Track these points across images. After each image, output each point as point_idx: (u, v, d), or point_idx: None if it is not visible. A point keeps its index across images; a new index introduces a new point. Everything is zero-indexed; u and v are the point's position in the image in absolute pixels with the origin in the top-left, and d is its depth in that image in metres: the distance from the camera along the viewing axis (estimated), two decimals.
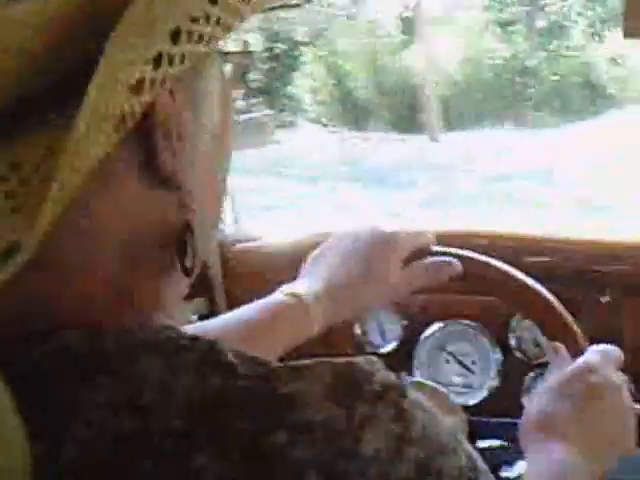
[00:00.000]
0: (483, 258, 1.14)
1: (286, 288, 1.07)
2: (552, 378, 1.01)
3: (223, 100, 0.68)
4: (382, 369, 0.59)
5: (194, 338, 0.59)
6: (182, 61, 0.58)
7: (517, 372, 1.42)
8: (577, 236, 1.49)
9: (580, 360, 1.01)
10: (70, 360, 0.57)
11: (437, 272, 1.12)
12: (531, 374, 1.41)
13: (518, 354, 1.43)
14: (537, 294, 1.12)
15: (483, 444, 1.34)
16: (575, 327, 1.12)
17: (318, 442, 0.54)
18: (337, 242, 1.13)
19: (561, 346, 1.06)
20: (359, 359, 0.59)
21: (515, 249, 1.45)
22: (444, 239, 1.16)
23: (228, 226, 1.74)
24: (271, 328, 1.05)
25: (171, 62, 0.57)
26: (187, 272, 0.65)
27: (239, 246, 1.70)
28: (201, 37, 0.59)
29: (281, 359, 1.06)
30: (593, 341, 1.09)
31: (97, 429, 0.54)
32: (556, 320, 1.11)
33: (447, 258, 1.11)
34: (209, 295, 1.63)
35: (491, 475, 0.62)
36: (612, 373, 1.00)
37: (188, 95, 0.63)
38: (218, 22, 0.60)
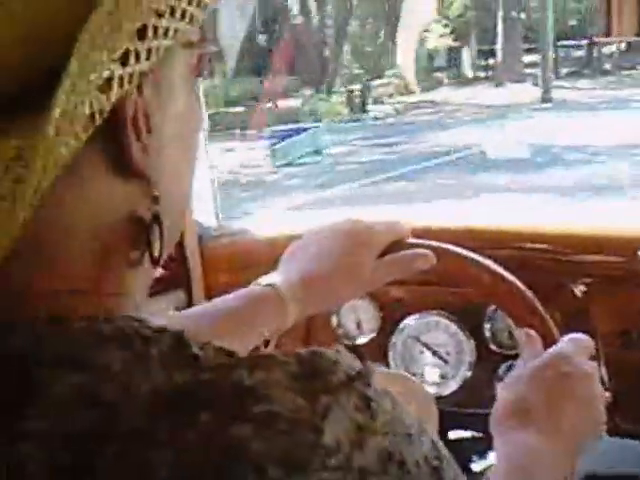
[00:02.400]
0: (457, 250, 1.16)
1: (263, 280, 1.09)
2: (524, 367, 1.02)
3: (189, 89, 0.69)
4: (347, 358, 0.59)
5: (160, 330, 0.59)
6: (149, 57, 0.58)
7: (491, 363, 1.44)
8: (550, 226, 1.51)
9: (552, 349, 1.03)
10: (34, 350, 0.57)
11: (411, 264, 1.13)
12: (504, 365, 1.43)
13: (492, 345, 1.45)
14: (510, 285, 1.14)
15: (455, 435, 1.36)
16: (547, 317, 1.13)
17: (280, 434, 0.54)
18: (313, 236, 1.15)
19: (534, 334, 1.08)
20: (324, 349, 0.59)
21: (490, 240, 1.47)
22: (418, 233, 1.19)
23: (208, 220, 1.76)
24: (248, 317, 1.06)
25: (138, 58, 0.57)
26: (155, 262, 0.65)
27: (219, 240, 1.72)
28: (167, 31, 0.59)
29: (257, 349, 1.08)
30: (567, 330, 1.11)
31: (54, 423, 0.54)
32: (529, 310, 1.12)
33: (421, 250, 1.13)
34: (187, 288, 1.64)
35: (454, 462, 0.62)
36: (584, 362, 1.02)
37: (155, 87, 0.63)
38: (183, 15, 0.61)
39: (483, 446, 1.32)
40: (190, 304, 1.59)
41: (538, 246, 1.47)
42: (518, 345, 1.10)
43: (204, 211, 1.75)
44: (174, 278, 1.63)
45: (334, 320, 1.53)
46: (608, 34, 4.08)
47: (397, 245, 1.14)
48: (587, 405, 1.00)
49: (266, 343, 1.09)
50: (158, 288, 1.58)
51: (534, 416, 0.96)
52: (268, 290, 1.07)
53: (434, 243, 1.15)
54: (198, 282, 1.66)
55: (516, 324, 1.14)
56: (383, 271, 1.12)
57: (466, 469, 1.31)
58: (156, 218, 0.64)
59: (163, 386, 0.55)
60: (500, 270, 1.15)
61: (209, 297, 1.56)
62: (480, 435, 1.34)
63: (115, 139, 0.60)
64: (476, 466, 1.32)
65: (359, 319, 1.52)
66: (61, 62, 0.53)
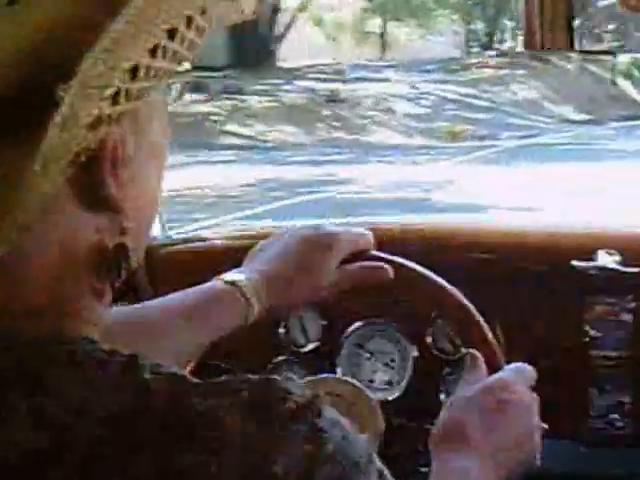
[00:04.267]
0: (416, 267, 1.20)
1: (224, 276, 1.10)
2: (466, 390, 1.05)
3: (162, 119, 0.69)
4: (299, 387, 0.60)
5: (113, 353, 0.59)
6: (139, 97, 0.59)
7: (434, 369, 1.48)
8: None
9: (496, 376, 1.07)
10: None
11: (370, 276, 1.18)
12: (445, 370, 1.47)
13: (434, 351, 1.49)
14: (463, 307, 1.18)
15: (397, 449, 1.39)
16: (495, 342, 1.18)
17: (230, 461, 0.54)
18: (277, 238, 1.18)
19: (479, 357, 1.10)
20: (277, 377, 0.60)
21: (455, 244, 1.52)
22: (380, 235, 1.23)
23: (155, 230, 1.74)
24: (206, 313, 1.07)
25: (128, 98, 0.57)
26: (114, 289, 0.66)
27: (167, 249, 1.72)
28: (157, 71, 0.59)
29: (214, 345, 1.10)
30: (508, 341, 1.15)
31: (7, 443, 0.54)
32: (477, 333, 1.16)
33: (380, 264, 1.18)
34: (137, 299, 1.64)
35: None
36: (525, 392, 1.05)
37: (134, 121, 0.63)
38: (174, 56, 0.61)
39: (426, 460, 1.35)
40: None
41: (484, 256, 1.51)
42: (458, 352, 1.13)
43: None
44: (122, 289, 1.62)
45: (281, 328, 1.54)
46: None
47: (359, 255, 1.18)
48: (523, 434, 1.03)
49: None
50: None
51: (471, 439, 0.99)
52: (229, 288, 1.08)
53: (395, 258, 1.19)
54: (144, 292, 1.66)
55: (463, 344, 1.18)
56: (342, 278, 1.16)
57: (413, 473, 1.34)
58: (122, 248, 0.64)
59: (114, 410, 0.55)
60: (454, 291, 1.19)
61: None
62: (422, 449, 1.37)
63: (91, 173, 0.60)
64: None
65: (304, 327, 1.54)
66: (51, 95, 0.53)
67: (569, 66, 21.23)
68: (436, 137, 15.27)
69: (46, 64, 0.55)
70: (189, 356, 1.11)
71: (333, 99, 15.81)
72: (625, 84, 21.88)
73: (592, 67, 21.64)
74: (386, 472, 0.63)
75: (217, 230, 1.75)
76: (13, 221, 0.54)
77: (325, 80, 17.31)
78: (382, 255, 1.19)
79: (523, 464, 1.03)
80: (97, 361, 0.58)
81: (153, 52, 0.58)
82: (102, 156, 0.60)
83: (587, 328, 1.43)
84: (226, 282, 1.09)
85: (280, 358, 1.54)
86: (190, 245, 1.72)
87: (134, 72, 0.57)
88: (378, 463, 0.63)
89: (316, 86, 16.74)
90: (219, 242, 1.67)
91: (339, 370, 1.50)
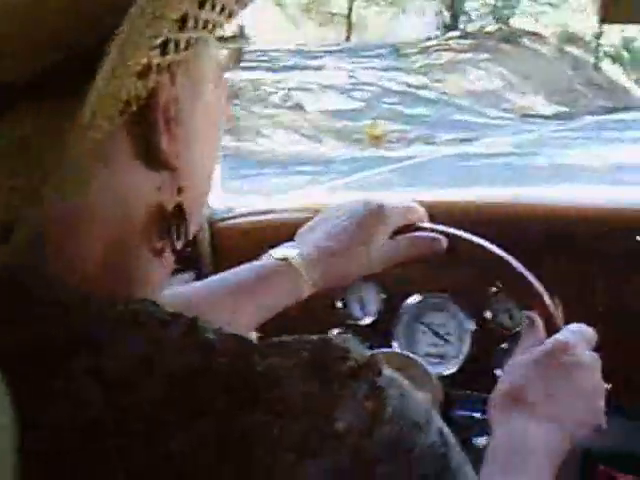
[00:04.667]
0: (468, 236, 1.19)
1: (275, 252, 1.11)
2: (526, 353, 1.04)
3: (218, 83, 0.69)
4: (357, 346, 0.61)
5: (176, 315, 0.59)
6: (187, 47, 0.59)
7: (491, 343, 1.46)
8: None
9: (554, 338, 1.05)
10: (55, 332, 0.57)
11: (424, 247, 1.18)
12: (503, 345, 1.46)
13: (493, 325, 1.47)
14: (516, 271, 1.17)
15: (457, 415, 1.39)
16: (551, 304, 1.16)
17: (294, 419, 0.55)
18: (330, 213, 1.18)
19: (537, 319, 1.09)
20: (335, 336, 0.61)
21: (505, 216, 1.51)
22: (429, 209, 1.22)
23: (216, 202, 1.77)
24: (256, 291, 1.08)
25: (177, 48, 0.58)
26: (177, 253, 0.67)
27: (228, 221, 1.73)
28: (206, 23, 0.60)
29: (265, 324, 1.10)
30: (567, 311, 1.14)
31: (73, 403, 0.54)
32: (534, 296, 1.15)
33: (433, 234, 1.17)
34: (197, 270, 1.67)
35: (460, 450, 0.64)
36: (585, 353, 1.03)
37: (187, 79, 0.63)
38: (223, 9, 0.61)
39: (483, 428, 1.35)
40: None
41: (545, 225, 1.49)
42: (518, 325, 1.12)
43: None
44: (183, 260, 1.64)
45: (339, 302, 1.55)
46: None
47: (410, 227, 1.18)
48: (586, 396, 1.01)
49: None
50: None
51: (532, 404, 0.98)
52: (282, 264, 1.09)
53: (447, 228, 1.19)
54: (207, 264, 1.68)
55: (520, 308, 1.16)
56: (395, 250, 1.16)
57: (467, 444, 1.34)
58: (180, 209, 0.65)
59: (178, 370, 0.56)
60: (507, 256, 1.18)
61: None
62: (480, 417, 1.36)
63: (145, 128, 0.61)
64: (477, 442, 1.34)
65: (362, 301, 1.54)
66: (97, 47, 0.53)
67: (544, 49, 18.98)
68: (355, 141, 13.19)
69: (91, 14, 0.55)
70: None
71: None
72: (612, 69, 19.89)
73: (572, 49, 19.46)
74: (446, 430, 0.64)
75: (279, 202, 1.74)
76: (62, 171, 0.55)
77: (249, 68, 14.79)
78: (435, 226, 1.19)
79: (588, 426, 1.02)
80: (160, 322, 0.59)
81: (202, 3, 0.59)
82: (154, 107, 0.60)
83: None
84: (277, 258, 1.10)
85: (337, 331, 1.54)
86: (252, 218, 1.72)
87: (182, 22, 0.57)
88: (438, 421, 0.63)
89: (233, 76, 15.38)
90: (281, 214, 1.67)
91: (396, 344, 1.50)
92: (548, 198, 1.59)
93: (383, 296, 1.53)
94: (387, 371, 0.61)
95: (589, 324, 1.09)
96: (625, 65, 20.00)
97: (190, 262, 1.66)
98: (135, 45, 0.54)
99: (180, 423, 0.54)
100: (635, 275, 1.42)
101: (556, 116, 15.72)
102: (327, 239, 1.13)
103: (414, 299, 1.51)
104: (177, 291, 1.08)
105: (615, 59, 20.25)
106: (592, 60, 19.51)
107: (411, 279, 1.51)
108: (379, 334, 1.52)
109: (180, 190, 0.65)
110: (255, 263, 1.11)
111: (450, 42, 19.21)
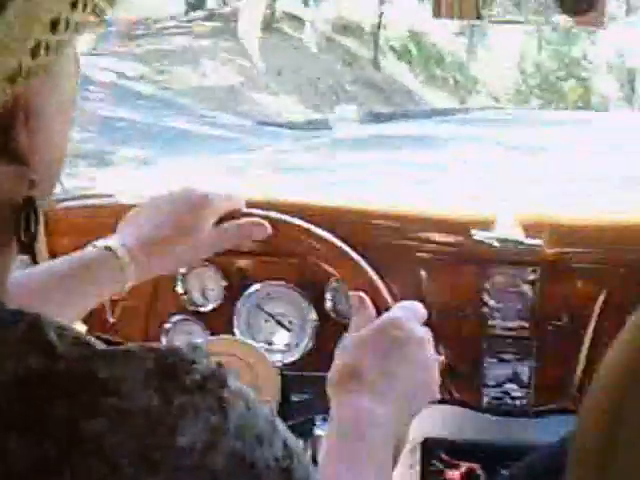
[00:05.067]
0: (292, 220, 1.22)
1: (99, 242, 1.11)
2: (358, 332, 1.06)
3: (74, 77, 0.68)
4: (205, 357, 0.60)
5: (17, 313, 0.58)
6: (57, 50, 0.57)
7: (332, 333, 1.47)
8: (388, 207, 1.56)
9: (385, 315, 1.07)
10: None
11: (248, 232, 1.22)
12: (345, 335, 1.47)
13: (333, 315, 1.50)
14: (341, 251, 1.19)
15: (297, 398, 1.39)
16: (380, 284, 1.18)
17: (135, 431, 0.54)
18: (152, 202, 1.20)
19: (366, 298, 1.11)
20: (183, 346, 0.60)
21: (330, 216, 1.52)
22: (259, 205, 1.25)
23: None
24: (82, 280, 1.08)
25: (47, 51, 0.56)
26: (23, 247, 0.65)
27: (61, 204, 1.69)
28: (77, 25, 0.58)
29: (90, 314, 1.09)
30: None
31: None
32: (361, 277, 1.17)
33: (257, 220, 1.21)
34: (31, 254, 1.61)
35: (306, 457, 0.65)
36: (416, 327, 1.06)
37: (47, 75, 0.62)
38: (94, 9, 0.60)
39: (324, 407, 1.36)
40: None
41: (383, 223, 1.51)
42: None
43: None
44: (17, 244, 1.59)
45: (180, 287, 1.54)
46: None
47: (234, 214, 1.21)
48: (420, 369, 1.04)
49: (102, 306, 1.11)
50: None
51: (368, 379, 0.99)
52: (105, 253, 1.09)
53: (270, 213, 1.21)
54: (42, 247, 1.62)
55: (349, 289, 1.18)
56: (221, 237, 1.19)
57: (310, 433, 1.34)
58: (31, 202, 0.63)
59: (19, 372, 0.54)
60: (333, 238, 1.20)
61: None
62: (320, 397, 1.38)
63: (4, 124, 0.59)
64: (320, 431, 1.35)
65: (204, 287, 1.54)
66: None
67: (308, 38, 15.43)
68: None
69: None
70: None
71: None
72: (395, 66, 16.91)
73: (347, 41, 16.27)
74: (290, 440, 0.63)
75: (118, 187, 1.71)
76: None
77: None
78: (258, 211, 1.21)
79: (424, 398, 1.04)
80: (1, 321, 0.57)
81: (74, 4, 0.57)
82: (16, 108, 0.59)
83: (487, 298, 1.44)
84: (99, 247, 1.10)
85: (178, 317, 1.54)
86: (80, 202, 1.69)
87: (54, 25, 0.56)
88: (282, 431, 0.63)
89: None
90: (108, 201, 1.64)
91: (237, 331, 1.50)
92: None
93: (224, 283, 1.53)
94: (233, 382, 0.60)
95: (428, 320, 1.11)
96: (413, 63, 17.28)
97: (23, 246, 1.60)
98: (7, 48, 0.53)
99: (19, 424, 0.53)
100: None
101: (309, 124, 12.23)
102: (150, 227, 1.15)
103: (255, 287, 1.52)
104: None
105: (401, 55, 17.25)
106: (370, 55, 16.31)
107: (251, 267, 1.52)
108: (220, 321, 1.51)
109: (32, 184, 0.63)
110: (79, 252, 1.11)
111: (192, 24, 15.67)
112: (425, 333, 1.06)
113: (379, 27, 16.92)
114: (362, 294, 1.12)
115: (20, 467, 0.52)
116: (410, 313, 1.08)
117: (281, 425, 0.64)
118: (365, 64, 16.61)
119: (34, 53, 0.55)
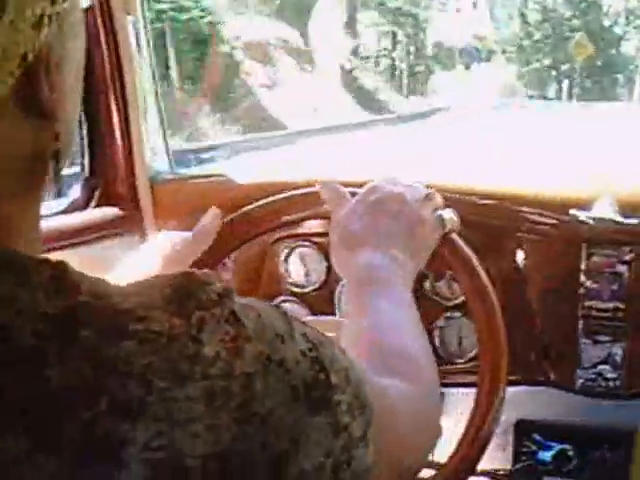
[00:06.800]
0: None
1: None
2: (344, 209, 1.14)
3: (81, 33, 0.69)
4: (217, 281, 0.62)
5: (43, 260, 0.60)
6: None
7: (428, 311, 1.50)
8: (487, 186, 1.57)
9: (363, 188, 1.16)
10: None
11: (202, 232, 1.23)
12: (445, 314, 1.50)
13: (431, 295, 1.50)
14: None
15: None
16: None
17: (160, 349, 0.56)
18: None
19: (339, 187, 1.19)
20: (196, 271, 0.62)
21: None
22: None
23: (160, 164, 1.78)
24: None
25: None
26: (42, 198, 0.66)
27: (171, 184, 1.75)
28: None
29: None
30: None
31: None
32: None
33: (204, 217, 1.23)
34: (141, 231, 1.68)
35: (330, 341, 0.67)
36: (391, 188, 1.14)
37: (62, 27, 0.63)
38: None
39: None
40: None
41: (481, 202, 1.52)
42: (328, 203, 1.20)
43: (156, 155, 1.78)
44: (127, 221, 1.65)
45: (282, 269, 1.58)
46: None
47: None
48: (409, 221, 1.11)
49: None
50: (111, 230, 1.61)
51: (364, 238, 1.08)
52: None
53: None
54: (151, 226, 1.68)
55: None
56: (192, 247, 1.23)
57: None
58: (57, 155, 0.65)
59: (48, 310, 0.56)
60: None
61: None
62: None
63: (28, 77, 0.60)
64: None
65: (307, 268, 1.57)
66: None
67: None
68: None
69: None
70: None
71: None
72: None
73: None
74: (309, 332, 0.66)
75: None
76: None
77: None
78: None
79: (423, 249, 1.12)
80: (27, 266, 0.59)
81: None
82: (39, 62, 0.60)
83: (583, 278, 1.44)
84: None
85: (281, 298, 1.57)
86: (190, 182, 1.74)
87: None
88: (300, 327, 0.66)
89: None
90: (216, 181, 1.69)
91: (337, 312, 1.53)
92: None
93: (326, 264, 1.55)
94: (241, 299, 0.63)
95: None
96: None
97: (133, 224, 1.66)
98: None
99: (54, 354, 0.54)
100: None
101: None
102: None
103: None
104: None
105: None
106: None
107: None
108: (322, 302, 1.55)
109: (57, 136, 0.64)
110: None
111: None
112: (400, 190, 1.13)
113: None
114: (336, 185, 1.19)
115: (62, 396, 0.54)
116: (389, 180, 1.16)
117: (296, 321, 0.66)
118: None
119: (53, 1, 0.57)
